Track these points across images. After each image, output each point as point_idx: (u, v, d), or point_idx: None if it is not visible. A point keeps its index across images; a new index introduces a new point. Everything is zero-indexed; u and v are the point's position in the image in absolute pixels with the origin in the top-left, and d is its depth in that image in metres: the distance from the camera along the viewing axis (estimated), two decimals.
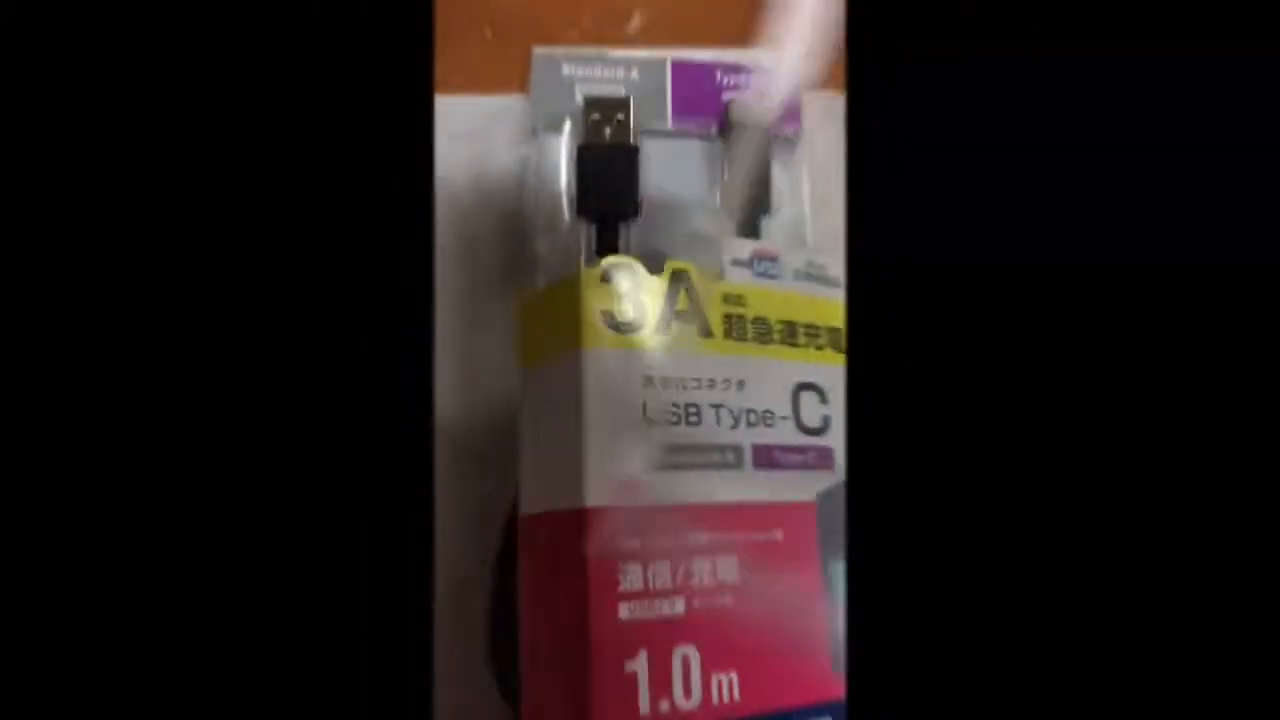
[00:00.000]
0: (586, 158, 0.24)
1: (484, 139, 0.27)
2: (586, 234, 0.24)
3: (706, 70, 0.28)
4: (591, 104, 0.25)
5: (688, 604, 0.18)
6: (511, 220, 0.26)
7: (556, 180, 0.25)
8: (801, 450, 0.21)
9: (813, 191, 0.27)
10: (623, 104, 0.25)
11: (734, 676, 0.18)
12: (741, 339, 0.21)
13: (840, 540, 0.20)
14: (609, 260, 0.20)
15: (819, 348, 0.22)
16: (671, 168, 0.26)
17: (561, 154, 0.26)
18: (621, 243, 0.24)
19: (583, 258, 0.24)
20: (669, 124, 0.27)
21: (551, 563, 0.19)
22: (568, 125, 0.26)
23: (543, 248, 0.25)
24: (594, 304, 0.19)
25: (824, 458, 0.21)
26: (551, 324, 0.20)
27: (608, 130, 0.25)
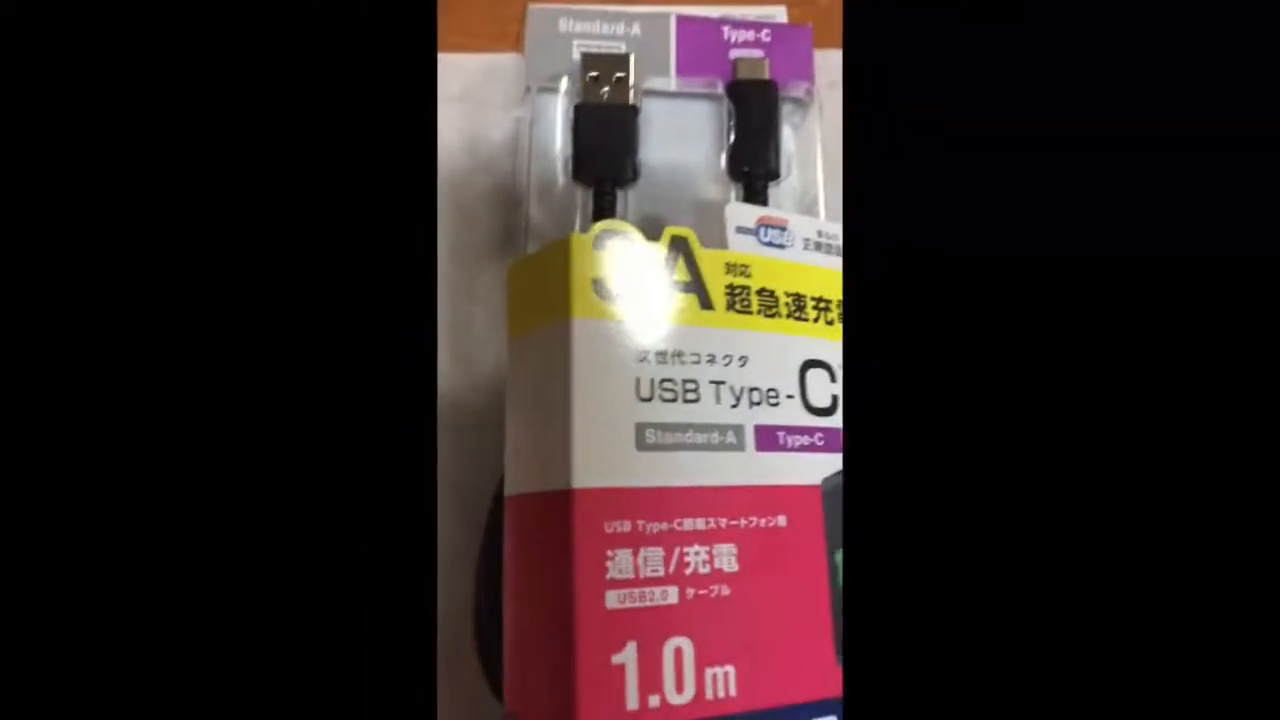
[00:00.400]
0: (583, 118, 0.23)
1: (476, 99, 0.26)
2: (582, 199, 0.23)
3: (713, 26, 0.26)
4: (589, 61, 0.24)
5: (681, 593, 0.17)
6: (504, 185, 0.25)
7: (551, 142, 0.24)
8: (808, 431, 0.20)
9: (826, 156, 0.26)
10: (622, 61, 0.24)
11: (730, 670, 0.17)
12: (745, 311, 0.20)
13: None
14: (602, 224, 0.19)
15: (829, 322, 0.21)
16: (674, 130, 0.25)
17: (557, 114, 0.25)
18: (619, 209, 0.23)
19: (577, 224, 0.23)
20: (672, 83, 0.26)
21: (536, 547, 0.18)
22: (564, 84, 0.25)
23: (536, 214, 0.24)
24: (585, 271, 0.18)
25: (832, 440, 0.20)
26: (540, 291, 0.19)
27: (606, 89, 0.24)
